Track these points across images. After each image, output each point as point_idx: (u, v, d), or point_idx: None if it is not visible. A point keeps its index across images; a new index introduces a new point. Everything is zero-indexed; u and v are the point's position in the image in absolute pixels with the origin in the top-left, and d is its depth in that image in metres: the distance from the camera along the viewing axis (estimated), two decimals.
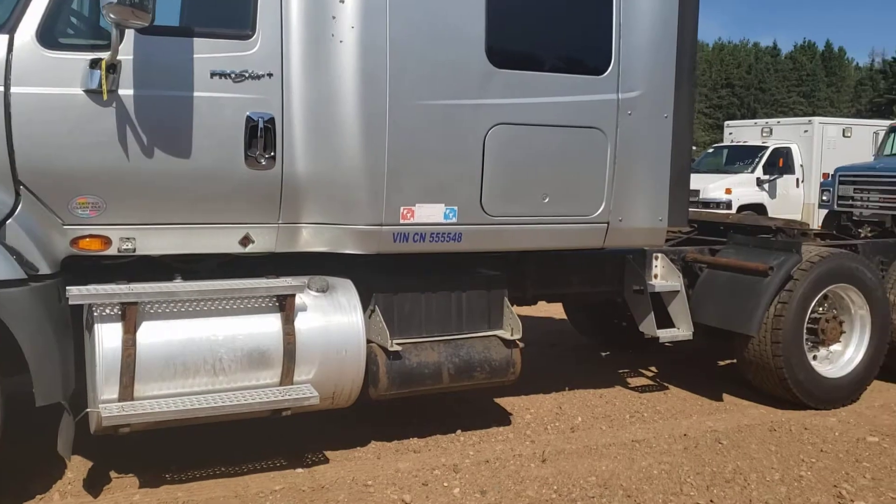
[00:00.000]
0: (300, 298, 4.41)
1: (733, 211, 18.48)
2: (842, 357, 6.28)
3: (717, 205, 18.58)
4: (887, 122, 18.94)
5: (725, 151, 21.05)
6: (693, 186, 19.12)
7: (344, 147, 4.41)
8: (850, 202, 16.15)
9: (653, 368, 7.34)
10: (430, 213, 4.63)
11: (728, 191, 18.66)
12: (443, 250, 4.77)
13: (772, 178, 18.99)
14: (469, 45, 4.63)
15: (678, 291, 6.13)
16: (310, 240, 4.55)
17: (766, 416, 5.95)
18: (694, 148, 24.30)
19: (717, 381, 6.72)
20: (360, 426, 5.33)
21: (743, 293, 5.90)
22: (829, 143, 19.66)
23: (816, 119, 20.09)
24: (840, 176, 16.47)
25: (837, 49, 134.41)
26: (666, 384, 6.81)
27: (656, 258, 6.26)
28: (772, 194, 19.08)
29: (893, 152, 17.11)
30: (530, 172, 4.90)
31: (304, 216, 4.49)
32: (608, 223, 5.19)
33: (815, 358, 6.23)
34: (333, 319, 4.48)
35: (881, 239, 7.60)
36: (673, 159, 5.33)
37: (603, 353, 7.88)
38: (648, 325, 6.02)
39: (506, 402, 6.09)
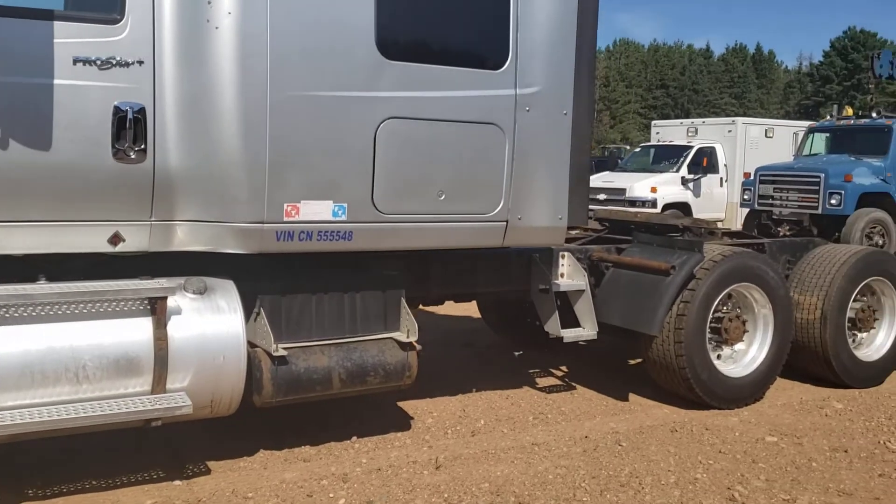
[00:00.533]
0: (174, 301, 4.16)
1: (658, 209, 18.70)
2: (745, 356, 6.27)
3: (644, 203, 18.75)
4: (807, 123, 19.36)
5: (653, 151, 21.26)
6: (620, 185, 19.43)
7: (221, 139, 4.17)
8: (770, 201, 16.45)
9: (563, 368, 7.26)
10: (317, 211, 4.42)
11: (654, 189, 18.83)
12: (332, 249, 4.57)
13: (696, 177, 19.22)
14: (357, 34, 4.43)
15: (583, 291, 6.04)
16: (187, 238, 4.30)
17: (669, 416, 5.90)
18: (627, 147, 24.56)
19: (626, 380, 6.67)
20: (251, 434, 5.09)
21: (645, 293, 5.84)
22: (752, 143, 20.01)
23: (740, 119, 20.44)
24: (760, 175, 16.77)
25: (767, 52, 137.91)
26: (574, 384, 6.73)
27: (563, 257, 6.16)
28: (696, 193, 19.32)
29: (812, 152, 17.52)
30: (425, 169, 4.73)
31: (179, 213, 4.24)
32: (507, 221, 5.05)
33: (718, 357, 6.22)
34: (211, 323, 4.24)
35: (789, 238, 7.64)
36: (573, 157, 5.23)
37: (516, 353, 7.76)
38: (553, 325, 5.92)
39: (409, 405, 5.93)
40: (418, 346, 5.01)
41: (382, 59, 4.51)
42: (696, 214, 19.20)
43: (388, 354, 4.88)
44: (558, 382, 6.80)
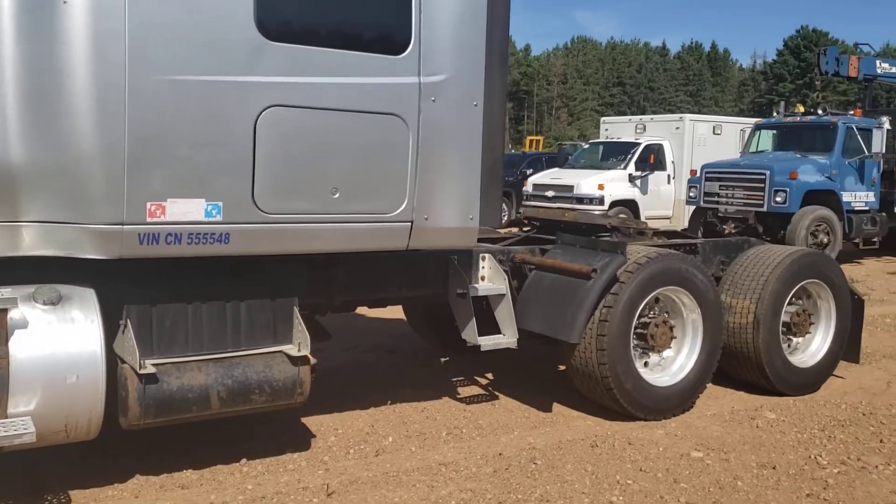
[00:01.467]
0: (18, 313, 3.66)
1: (606, 207, 18.46)
2: (673, 364, 5.92)
3: (591, 200, 18.50)
4: (754, 121, 19.26)
5: (601, 147, 21.03)
6: (567, 182, 19.13)
7: (72, 129, 3.67)
8: (716, 199, 16.29)
9: (489, 375, 6.86)
10: (186, 211, 3.93)
11: (601, 186, 18.58)
12: (206, 254, 4.08)
13: (643, 174, 19.02)
14: (234, 12, 3.95)
15: (504, 295, 5.65)
16: (35, 242, 3.79)
17: (592, 429, 5.53)
18: (584, 144, 24.09)
19: (554, 388, 6.27)
20: (129, 454, 4.61)
21: (565, 297, 5.46)
22: (700, 140, 19.86)
23: (687, 116, 20.26)
24: (706, 173, 16.60)
25: (722, 50, 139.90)
26: (498, 394, 6.33)
27: (483, 259, 5.75)
28: (643, 190, 19.12)
29: (759, 150, 17.39)
30: (315, 163, 4.27)
31: (24, 213, 3.73)
32: (412, 222, 4.62)
33: (646, 365, 5.87)
34: (62, 338, 3.74)
35: (723, 238, 7.32)
36: (484, 153, 4.81)
37: (441, 360, 7.33)
38: (470, 332, 5.51)
39: (314, 420, 5.48)
40: (312, 360, 4.56)
41: (263, 40, 4.03)
42: (644, 212, 19.04)
43: (275, 370, 4.42)
44: (481, 392, 6.40)
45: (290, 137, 4.16)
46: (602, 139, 21.64)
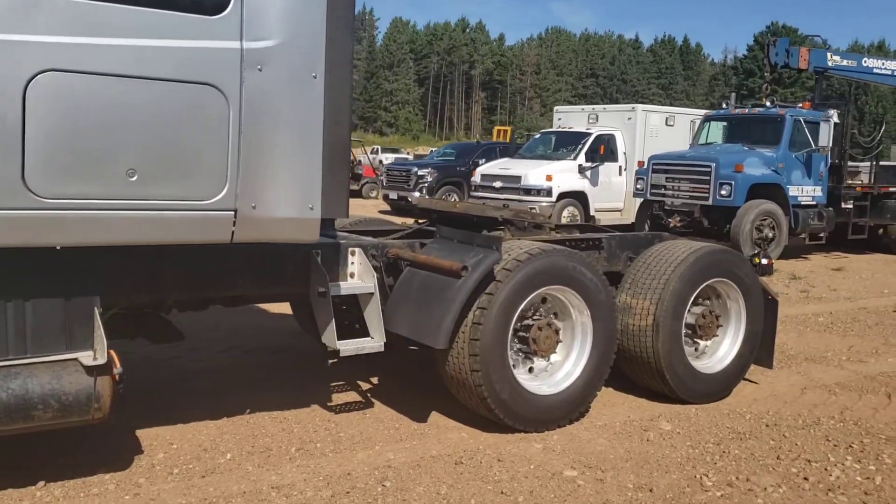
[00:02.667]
0: None
1: (554, 199, 17.97)
2: (559, 371, 5.39)
3: (539, 191, 18.02)
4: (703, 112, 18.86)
5: (553, 137, 20.53)
6: (515, 172, 18.58)
7: None
8: (662, 191, 15.86)
9: (374, 379, 6.29)
10: None
11: (549, 178, 18.08)
12: None
13: (593, 165, 18.53)
14: None
15: (372, 294, 5.08)
16: None
17: (463, 443, 4.98)
18: (536, 135, 23.44)
19: (439, 396, 5.66)
20: None
21: (434, 297, 4.89)
22: (652, 131, 19.41)
23: (640, 106, 19.79)
24: (653, 164, 16.16)
25: (695, 45, 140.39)
26: (375, 400, 5.76)
27: (353, 254, 5.18)
28: (594, 182, 18.65)
29: (708, 141, 16.96)
30: (105, 140, 3.63)
31: None
32: (236, 211, 4.01)
33: (531, 371, 5.34)
34: None
35: (631, 233, 6.80)
36: (327, 132, 4.21)
37: (329, 361, 6.73)
38: (329, 336, 4.92)
39: (150, 433, 4.88)
40: (117, 369, 3.95)
41: None
42: (594, 204, 18.58)
43: (66, 381, 3.80)
44: (356, 399, 5.82)
45: (71, 108, 3.53)
46: (554, 128, 21.12)
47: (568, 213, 18.20)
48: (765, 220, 14.53)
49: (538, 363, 5.37)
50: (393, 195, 22.84)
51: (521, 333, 5.22)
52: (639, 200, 17.07)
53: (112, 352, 4.04)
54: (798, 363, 7.33)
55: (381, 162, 30.99)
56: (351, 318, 5.31)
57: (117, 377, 3.96)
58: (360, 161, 29.36)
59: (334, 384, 6.12)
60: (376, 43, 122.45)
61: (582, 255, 5.39)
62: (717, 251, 6.02)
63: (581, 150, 18.75)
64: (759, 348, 6.37)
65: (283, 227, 4.22)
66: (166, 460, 4.51)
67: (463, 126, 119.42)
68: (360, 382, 6.20)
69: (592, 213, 18.53)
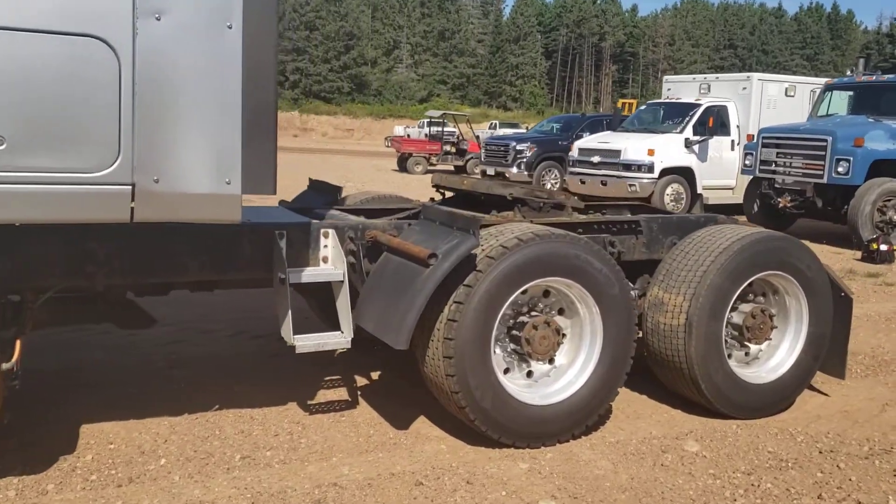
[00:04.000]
0: None
1: (656, 175, 16.73)
2: (563, 376, 4.59)
3: (639, 167, 16.83)
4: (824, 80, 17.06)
5: (660, 109, 19.17)
6: (614, 146, 17.42)
7: None
8: (773, 168, 14.41)
9: (374, 374, 5.66)
10: None
11: (651, 152, 16.83)
12: None
13: (701, 139, 17.13)
14: None
15: (341, 282, 4.45)
16: None
17: (437, 458, 4.28)
18: (643, 106, 22.03)
19: (431, 398, 4.99)
20: None
21: (402, 289, 4.19)
22: (769, 102, 17.80)
23: (755, 75, 18.15)
24: (763, 138, 14.73)
25: (846, 12, 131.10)
26: (363, 400, 5.13)
27: (326, 235, 4.56)
28: (702, 157, 17.26)
29: (828, 113, 15.30)
30: None
31: None
32: (134, 185, 3.44)
33: (530, 375, 4.57)
34: None
35: (678, 215, 5.84)
36: (247, 94, 3.56)
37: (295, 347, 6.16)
38: (286, 329, 4.34)
39: (95, 429, 4.46)
40: (6, 365, 3.50)
41: None
42: (702, 181, 17.22)
43: None
44: (342, 398, 5.19)
45: None
46: (663, 100, 19.72)
47: (672, 192, 16.93)
48: (889, 200, 12.88)
49: (538, 367, 4.59)
50: (490, 171, 22.09)
51: (514, 332, 4.46)
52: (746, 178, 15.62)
53: (18, 341, 3.61)
54: (889, 372, 6.16)
55: (477, 136, 30.24)
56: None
57: (7, 373, 3.50)
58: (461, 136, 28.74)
59: (328, 378, 5.52)
60: (503, 17, 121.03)
61: (589, 241, 4.52)
62: (770, 238, 5.01)
63: (688, 122, 17.38)
64: (828, 354, 5.33)
65: (195, 204, 3.61)
66: (91, 464, 4.05)
67: (591, 100, 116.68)
68: (358, 377, 5.58)
69: (700, 190, 17.17)
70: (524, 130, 36.60)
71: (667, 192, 16.84)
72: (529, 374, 4.60)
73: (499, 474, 4.08)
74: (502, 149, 21.83)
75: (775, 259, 4.98)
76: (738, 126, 17.68)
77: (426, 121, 33.31)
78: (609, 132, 19.11)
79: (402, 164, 28.03)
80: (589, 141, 18.54)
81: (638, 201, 16.57)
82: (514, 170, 21.32)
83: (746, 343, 5.12)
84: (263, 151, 3.70)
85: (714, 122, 17.23)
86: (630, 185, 16.80)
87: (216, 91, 3.51)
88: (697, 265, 4.87)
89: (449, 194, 6.15)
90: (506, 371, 4.53)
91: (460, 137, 29.14)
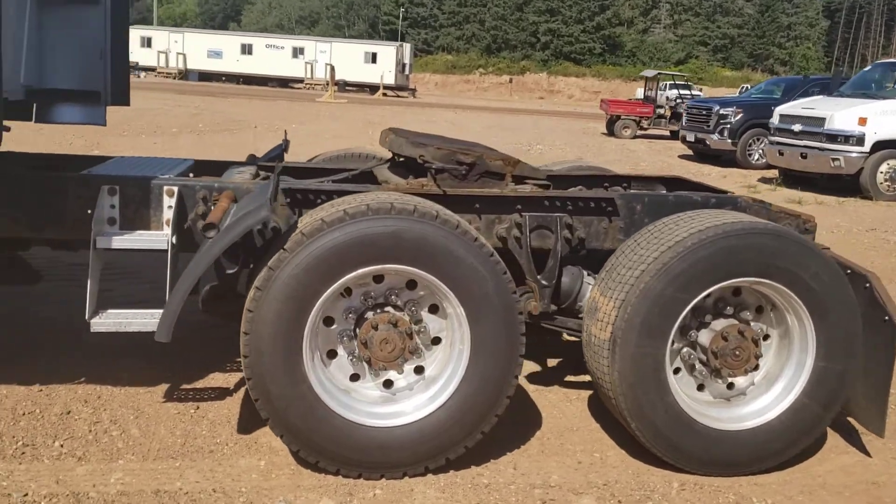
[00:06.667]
0: None
1: (865, 149, 14.11)
2: (426, 392, 3.59)
3: (846, 138, 14.30)
4: None
5: (893, 71, 16.13)
6: (819, 113, 14.91)
7: None
8: None
9: None
10: None
11: (862, 121, 14.20)
12: None
13: None
14: None
15: (165, 252, 3.78)
16: None
17: (244, 475, 3.49)
18: (869, 67, 19.01)
19: None
20: None
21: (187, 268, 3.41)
22: None
23: None
24: None
25: None
26: (227, 394, 4.42)
27: (171, 195, 3.90)
28: None
29: None
30: None
31: None
32: None
33: (387, 385, 3.63)
34: None
35: (680, 193, 4.45)
36: None
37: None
38: (90, 304, 3.72)
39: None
40: None
41: None
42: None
43: None
44: (211, 386, 4.51)
45: None
46: (892, 59, 16.58)
47: (888, 168, 14.21)
48: None
49: (396, 377, 3.63)
50: (690, 137, 20.01)
51: (348, 334, 3.53)
52: None
53: None
54: None
55: (667, 98, 27.65)
56: None
57: None
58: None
59: (212, 360, 4.84)
60: None
61: (449, 222, 3.42)
62: (751, 232, 3.57)
63: None
64: (861, 400, 3.82)
65: None
66: None
67: None
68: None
69: None
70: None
71: (880, 170, 14.18)
72: (388, 384, 3.64)
73: None
74: (704, 113, 19.65)
75: (755, 262, 3.55)
76: None
77: (668, 83, 31.03)
78: (820, 97, 16.43)
79: (611, 128, 26.40)
80: (792, 107, 16.07)
81: (845, 177, 14.08)
82: (716, 137, 19.13)
83: (721, 375, 3.75)
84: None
85: None
86: (833, 160, 14.34)
87: None
88: (637, 263, 3.60)
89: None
90: (354, 378, 3.61)
91: (679, 101, 26.82)
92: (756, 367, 3.77)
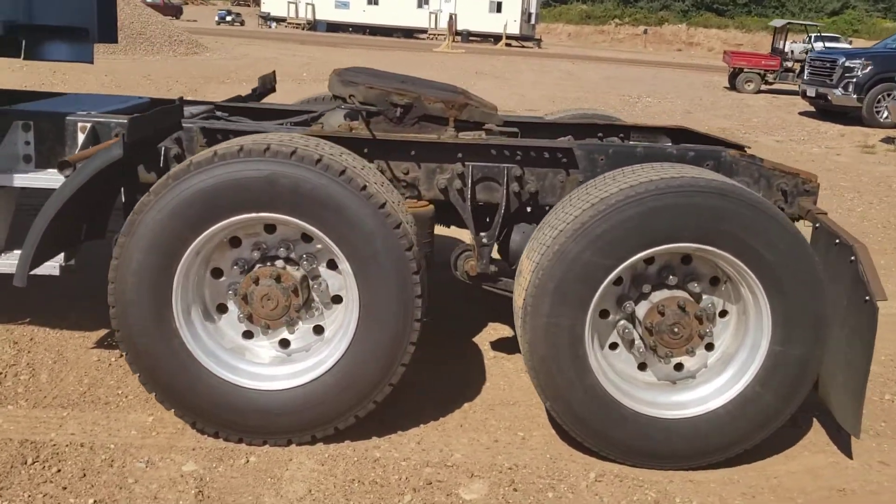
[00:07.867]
0: None
1: None
2: (319, 354, 3.28)
3: None
4: None
5: None
6: None
7: None
8: None
9: None
10: None
11: None
12: None
13: None
14: None
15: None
16: None
17: (123, 431, 3.31)
18: None
19: None
20: None
21: None
22: None
23: None
24: None
25: None
26: None
27: (83, 131, 3.71)
28: None
29: None
30: None
31: None
32: None
33: (283, 344, 3.34)
34: None
35: (654, 144, 3.87)
36: None
37: None
38: None
39: None
40: None
41: None
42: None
43: None
44: None
45: None
46: None
47: None
48: None
49: (292, 337, 3.33)
50: (811, 92, 18.42)
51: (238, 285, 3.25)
52: None
53: None
54: None
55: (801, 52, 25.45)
56: None
57: None
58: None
59: None
60: None
61: (333, 167, 3.04)
62: (692, 191, 2.99)
63: None
64: (834, 395, 3.24)
65: None
66: None
67: None
68: None
69: None
70: None
71: None
72: (284, 343, 3.35)
73: (137, 471, 3.02)
74: (828, 65, 18.00)
75: (693, 225, 3.00)
76: None
77: (814, 35, 28.70)
78: None
79: (733, 82, 24.74)
80: None
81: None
82: (839, 91, 17.51)
83: (661, 353, 3.24)
84: None
85: None
86: None
87: None
88: (559, 222, 3.13)
89: None
90: (248, 335, 3.34)
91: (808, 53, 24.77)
92: (710, 347, 3.24)
